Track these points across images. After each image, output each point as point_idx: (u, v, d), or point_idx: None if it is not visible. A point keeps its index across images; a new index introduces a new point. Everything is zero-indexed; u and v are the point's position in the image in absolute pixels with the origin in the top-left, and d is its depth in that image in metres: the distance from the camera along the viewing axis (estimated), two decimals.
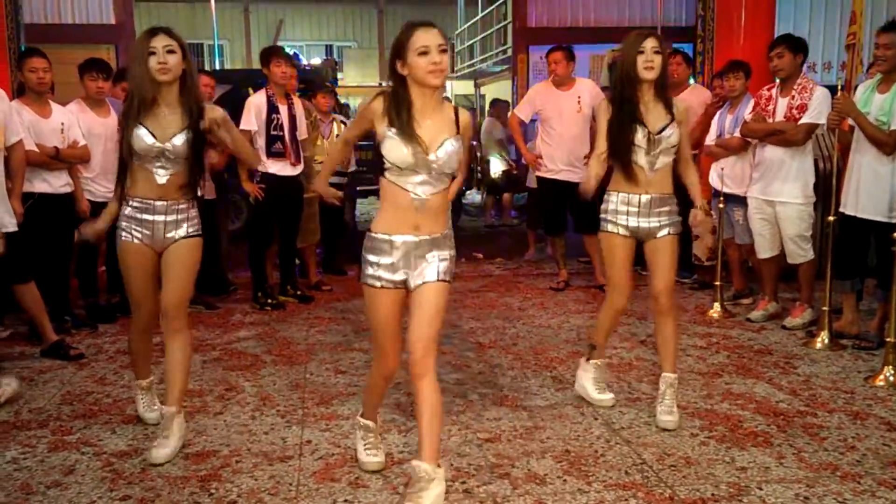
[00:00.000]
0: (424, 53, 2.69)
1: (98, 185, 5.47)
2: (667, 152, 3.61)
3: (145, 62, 3.25)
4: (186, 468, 3.22)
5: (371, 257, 2.82)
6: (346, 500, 2.94)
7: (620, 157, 3.63)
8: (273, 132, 5.78)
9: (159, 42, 3.26)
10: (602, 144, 3.68)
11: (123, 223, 3.37)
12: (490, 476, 3.12)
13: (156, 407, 3.70)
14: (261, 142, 5.77)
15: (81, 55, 5.68)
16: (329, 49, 23.98)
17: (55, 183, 5.09)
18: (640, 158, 3.59)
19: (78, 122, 5.28)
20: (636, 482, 3.05)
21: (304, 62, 15.71)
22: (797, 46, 5.09)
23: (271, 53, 5.93)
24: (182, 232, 3.40)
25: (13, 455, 3.38)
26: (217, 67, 21.06)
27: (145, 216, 3.35)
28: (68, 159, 5.16)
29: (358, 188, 8.87)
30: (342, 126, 7.27)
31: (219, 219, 6.34)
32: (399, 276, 2.82)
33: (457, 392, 4.05)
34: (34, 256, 4.75)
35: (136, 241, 3.36)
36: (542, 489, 3.01)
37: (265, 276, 6.10)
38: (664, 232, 3.66)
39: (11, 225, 4.52)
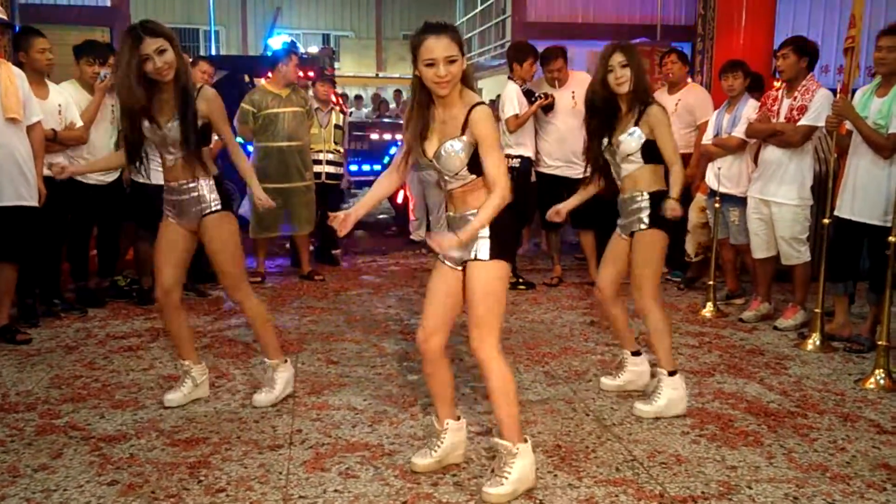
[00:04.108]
0: (431, 65, 2.70)
1: None
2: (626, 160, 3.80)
3: (136, 71, 3.22)
4: (175, 454, 3.21)
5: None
6: (336, 490, 2.93)
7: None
8: None
9: (149, 46, 3.22)
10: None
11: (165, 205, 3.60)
12: (481, 469, 3.11)
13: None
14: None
15: (76, 37, 5.64)
16: (326, 38, 23.88)
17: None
18: None
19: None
20: (627, 478, 3.05)
21: (302, 50, 15.65)
22: (803, 49, 5.07)
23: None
24: (204, 209, 3.53)
25: (0, 437, 3.35)
26: (213, 53, 20.96)
27: (172, 196, 3.55)
28: (65, 141, 5.12)
29: (353, 179, 8.82)
30: (340, 116, 7.25)
31: None
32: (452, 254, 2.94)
33: None
34: (28, 238, 4.70)
35: (169, 219, 3.59)
36: None
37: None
38: None
39: (31, 199, 4.66)
